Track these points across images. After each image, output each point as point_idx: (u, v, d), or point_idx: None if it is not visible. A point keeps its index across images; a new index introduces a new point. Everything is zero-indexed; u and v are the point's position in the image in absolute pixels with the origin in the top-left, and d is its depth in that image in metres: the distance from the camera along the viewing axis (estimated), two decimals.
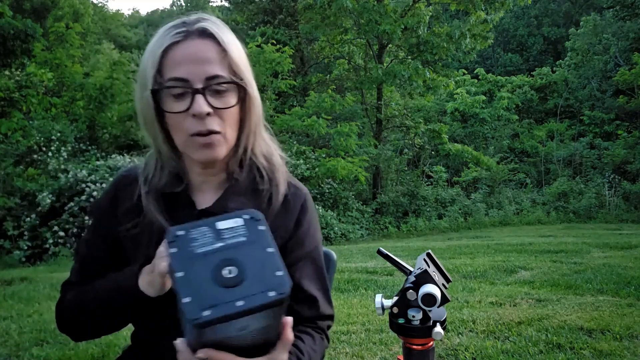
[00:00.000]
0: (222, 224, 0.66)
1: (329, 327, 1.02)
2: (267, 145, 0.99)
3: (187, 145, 0.88)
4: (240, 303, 0.58)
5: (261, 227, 0.67)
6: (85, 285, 0.95)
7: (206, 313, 0.57)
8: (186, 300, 0.59)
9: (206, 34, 0.86)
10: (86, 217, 7.78)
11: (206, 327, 0.58)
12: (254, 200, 0.95)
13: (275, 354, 0.70)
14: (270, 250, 0.64)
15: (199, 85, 0.84)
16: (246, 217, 0.68)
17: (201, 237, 0.65)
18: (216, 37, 0.86)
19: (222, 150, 0.88)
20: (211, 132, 0.85)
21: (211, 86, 0.84)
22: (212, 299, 0.58)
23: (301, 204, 1.00)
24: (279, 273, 0.62)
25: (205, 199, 0.95)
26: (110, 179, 8.07)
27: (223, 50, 0.86)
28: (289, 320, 0.71)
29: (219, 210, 0.89)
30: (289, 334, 0.70)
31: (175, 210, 0.93)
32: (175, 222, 0.73)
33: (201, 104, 0.83)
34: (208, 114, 0.84)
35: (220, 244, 0.64)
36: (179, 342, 0.66)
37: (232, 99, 0.87)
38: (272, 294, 0.60)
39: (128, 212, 0.95)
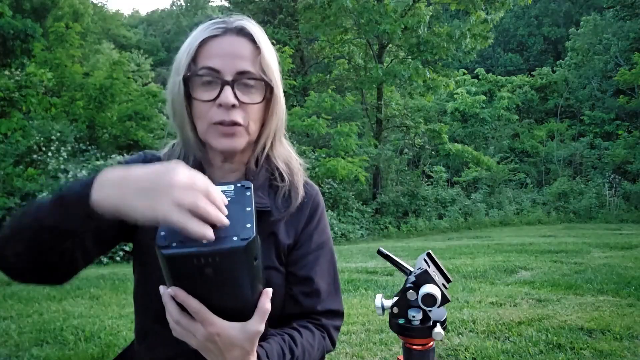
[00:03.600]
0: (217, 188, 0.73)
1: (336, 327, 1.01)
2: (287, 152, 1.03)
3: (208, 133, 0.90)
4: (205, 242, 0.63)
5: (247, 193, 0.74)
6: None
7: (174, 244, 0.63)
8: (162, 233, 0.65)
9: (243, 33, 0.91)
10: None
11: (174, 260, 0.63)
12: (270, 196, 0.98)
13: (251, 323, 0.70)
14: (248, 209, 0.70)
15: (229, 78, 0.87)
16: (238, 185, 0.75)
17: None
18: (253, 36, 0.91)
19: (241, 141, 0.91)
20: (234, 124, 0.88)
21: (240, 80, 0.88)
22: (183, 236, 0.64)
23: (312, 201, 1.03)
24: (248, 225, 0.67)
25: None
26: None
27: (257, 49, 0.90)
28: (267, 290, 0.72)
29: None
30: (266, 304, 0.71)
31: None
32: None
33: (228, 95, 0.86)
34: (233, 106, 0.87)
35: None
36: (161, 287, 0.69)
37: (258, 96, 0.90)
38: (235, 238, 0.64)
39: None
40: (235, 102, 0.87)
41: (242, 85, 0.88)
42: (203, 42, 0.89)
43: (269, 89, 0.91)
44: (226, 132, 0.88)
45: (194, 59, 0.89)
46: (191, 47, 0.89)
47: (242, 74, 0.88)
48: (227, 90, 0.86)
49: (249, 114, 0.90)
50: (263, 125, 0.95)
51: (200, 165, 0.96)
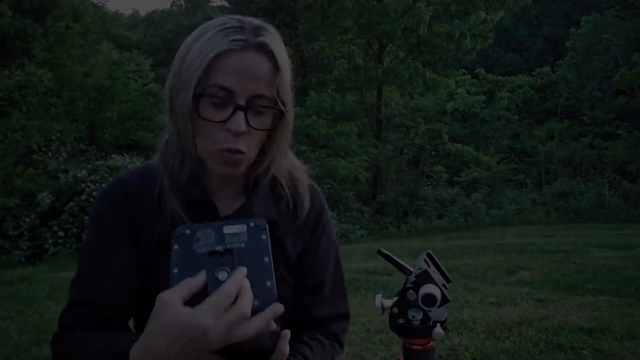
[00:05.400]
0: (227, 229, 0.67)
1: (344, 330, 1.00)
2: (289, 160, 0.98)
3: (210, 156, 0.85)
4: None
5: (263, 236, 0.68)
6: (87, 331, 0.81)
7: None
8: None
9: (264, 50, 0.82)
10: (86, 217, 7.77)
11: None
12: (275, 206, 0.94)
13: None
14: (266, 260, 0.65)
15: (242, 101, 0.81)
16: (251, 224, 0.69)
17: (204, 238, 0.66)
18: (274, 55, 0.83)
19: (242, 169, 0.87)
20: (239, 152, 0.83)
21: (254, 104, 0.82)
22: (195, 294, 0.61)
23: (317, 205, 1.00)
24: (268, 283, 0.63)
25: (224, 206, 0.92)
26: (110, 179, 8.04)
27: (276, 67, 0.83)
28: (286, 333, 0.70)
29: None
30: (285, 348, 0.69)
31: (199, 217, 0.86)
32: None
33: (240, 122, 0.80)
34: (242, 133, 0.82)
35: (219, 247, 0.65)
36: None
37: (268, 122, 0.86)
38: (255, 302, 0.61)
39: (149, 215, 0.88)
40: (245, 129, 0.81)
41: (254, 110, 0.83)
42: (219, 55, 0.80)
43: (280, 115, 0.86)
44: (230, 160, 0.83)
45: (205, 72, 0.81)
46: (204, 59, 0.80)
47: (256, 97, 0.82)
48: (240, 116, 0.80)
49: (253, 138, 0.85)
50: (269, 144, 0.90)
51: (196, 177, 0.89)
